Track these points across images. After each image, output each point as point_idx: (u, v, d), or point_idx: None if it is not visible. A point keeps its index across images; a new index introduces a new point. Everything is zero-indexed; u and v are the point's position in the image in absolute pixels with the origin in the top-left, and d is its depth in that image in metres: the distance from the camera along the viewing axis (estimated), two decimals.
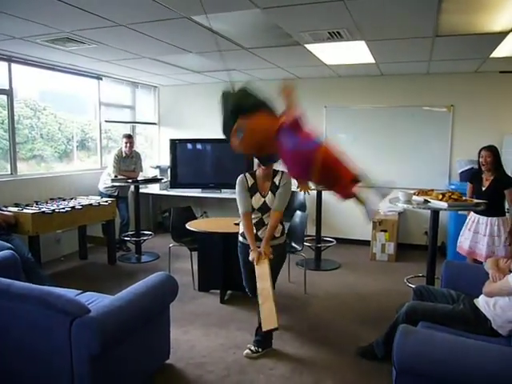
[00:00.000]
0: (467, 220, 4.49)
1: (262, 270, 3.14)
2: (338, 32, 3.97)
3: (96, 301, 2.97)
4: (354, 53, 4.93)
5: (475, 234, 4.29)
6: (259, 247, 3.28)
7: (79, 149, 6.71)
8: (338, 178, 2.20)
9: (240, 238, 3.52)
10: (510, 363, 2.01)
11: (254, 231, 3.36)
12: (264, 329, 3.00)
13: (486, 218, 4.21)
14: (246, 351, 3.38)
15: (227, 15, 3.57)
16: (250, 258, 3.24)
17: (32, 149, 5.88)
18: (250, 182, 3.40)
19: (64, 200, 5.45)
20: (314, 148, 2.20)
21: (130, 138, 6.17)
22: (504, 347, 2.35)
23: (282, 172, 3.36)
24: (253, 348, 3.39)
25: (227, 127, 2.45)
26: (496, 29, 3.81)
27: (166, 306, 3.10)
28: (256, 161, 3.42)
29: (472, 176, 4.64)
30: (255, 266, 3.19)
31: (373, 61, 5.34)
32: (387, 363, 2.99)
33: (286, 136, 2.29)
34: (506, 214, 4.34)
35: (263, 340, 3.43)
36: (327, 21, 3.68)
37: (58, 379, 2.48)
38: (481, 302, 2.98)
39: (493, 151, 4.28)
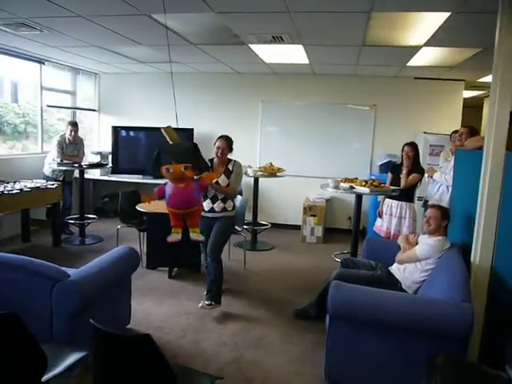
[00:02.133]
0: (381, 207, 5.20)
1: None
2: (280, 36, 4.50)
3: None
4: (292, 54, 5.49)
5: (389, 217, 5.03)
6: (215, 218, 3.99)
7: None
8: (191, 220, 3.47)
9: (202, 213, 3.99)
10: (414, 303, 2.68)
11: (211, 205, 3.98)
12: None
13: (397, 202, 4.95)
14: (200, 304, 3.90)
15: (184, 15, 3.95)
16: None
17: None
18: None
19: (7, 183, 5.49)
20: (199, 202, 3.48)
21: (75, 125, 6.30)
22: (410, 295, 3.03)
23: (235, 161, 4.05)
24: (207, 302, 3.91)
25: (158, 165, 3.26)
26: (412, 43, 4.55)
27: (129, 274, 3.47)
28: (214, 151, 3.99)
29: (393, 167, 5.36)
30: None
31: (307, 61, 5.94)
32: (319, 321, 3.58)
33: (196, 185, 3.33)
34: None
35: (215, 295, 3.96)
36: (272, 26, 4.19)
37: (39, 337, 2.76)
38: (394, 268, 3.67)
39: (414, 147, 5.00)
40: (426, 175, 5.00)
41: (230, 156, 4.05)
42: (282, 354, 3.33)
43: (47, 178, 6.09)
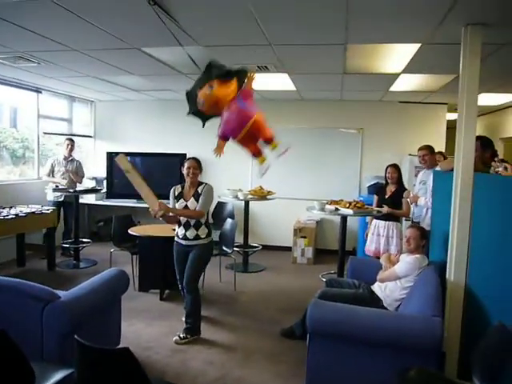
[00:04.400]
0: (368, 227, 5.38)
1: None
2: (265, 66, 4.73)
3: None
4: (279, 82, 5.72)
5: (377, 237, 5.19)
6: (189, 246, 3.95)
7: None
8: (261, 135, 3.42)
9: (175, 238, 4.09)
10: (384, 319, 2.82)
11: (183, 231, 3.95)
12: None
13: (384, 222, 5.12)
14: (174, 338, 3.86)
15: (172, 48, 4.18)
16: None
17: None
18: (178, 191, 4.04)
19: (3, 208, 5.63)
20: (253, 111, 3.31)
21: (71, 141, 6.67)
22: (382, 311, 3.17)
23: (206, 184, 4.02)
24: (181, 335, 3.88)
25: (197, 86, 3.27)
26: (390, 71, 4.79)
27: (119, 296, 3.59)
28: (184, 172, 3.99)
29: (377, 189, 5.58)
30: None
31: (294, 88, 6.17)
32: (305, 340, 3.66)
33: (239, 100, 3.25)
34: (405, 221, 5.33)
35: (192, 328, 3.93)
36: (257, 57, 4.43)
37: (30, 356, 2.88)
38: (376, 287, 3.80)
39: (397, 168, 5.26)
40: (408, 200, 5.11)
41: (200, 178, 4.06)
42: (268, 371, 3.44)
43: (49, 203, 6.32)
